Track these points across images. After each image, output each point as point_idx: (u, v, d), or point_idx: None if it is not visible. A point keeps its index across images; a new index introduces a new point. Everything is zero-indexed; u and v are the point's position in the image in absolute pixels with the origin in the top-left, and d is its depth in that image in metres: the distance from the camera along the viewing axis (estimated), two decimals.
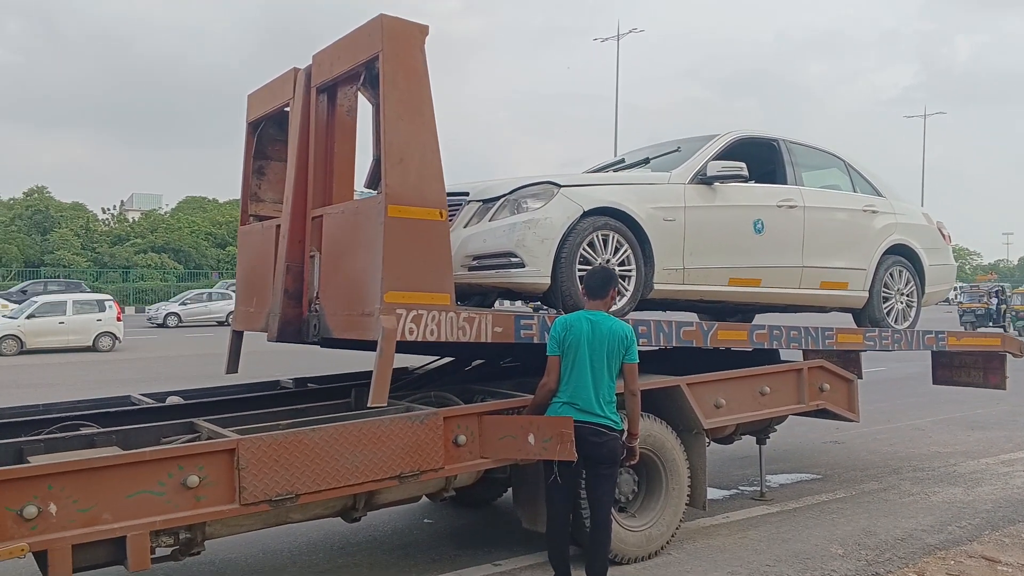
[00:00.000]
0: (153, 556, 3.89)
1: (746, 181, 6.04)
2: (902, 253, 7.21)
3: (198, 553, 4.23)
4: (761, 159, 6.87)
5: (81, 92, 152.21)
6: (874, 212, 7.03)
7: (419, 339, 4.45)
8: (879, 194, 7.25)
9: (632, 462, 4.83)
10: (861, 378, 7.20)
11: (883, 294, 7.04)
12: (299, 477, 4.11)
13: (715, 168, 5.90)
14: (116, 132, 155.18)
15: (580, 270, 5.15)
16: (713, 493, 6.83)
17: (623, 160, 7.09)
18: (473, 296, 5.77)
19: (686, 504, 5.54)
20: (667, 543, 5.40)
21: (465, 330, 4.65)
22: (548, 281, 5.13)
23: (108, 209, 66.45)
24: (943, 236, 7.72)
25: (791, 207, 6.39)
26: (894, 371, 16.07)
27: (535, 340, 4.94)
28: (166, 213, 65.05)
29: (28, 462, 3.95)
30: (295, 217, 5.16)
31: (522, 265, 5.08)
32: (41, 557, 3.68)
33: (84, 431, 4.55)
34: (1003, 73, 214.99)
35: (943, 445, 9.06)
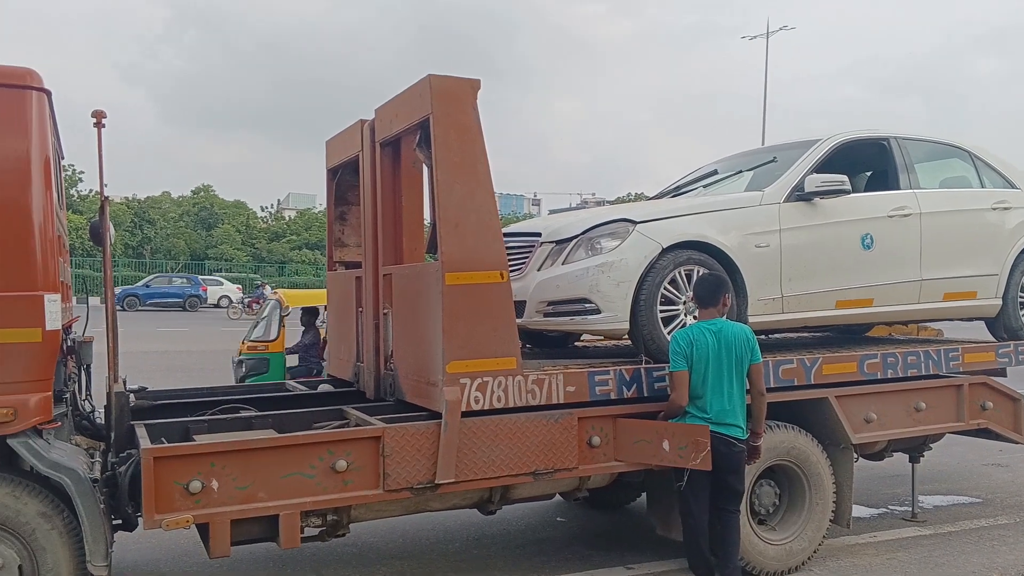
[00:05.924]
0: (302, 535, 4.12)
1: (848, 194, 5.57)
2: None
3: (343, 535, 4.45)
4: (872, 161, 6.40)
5: (247, 97, 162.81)
6: (1006, 208, 6.34)
7: (485, 407, 4.31)
8: (1013, 186, 6.55)
9: (756, 460, 4.78)
10: None
11: (1020, 299, 6.38)
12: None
13: (813, 183, 5.41)
14: (277, 135, 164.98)
15: (662, 311, 4.87)
16: (859, 511, 6.51)
17: (716, 172, 6.65)
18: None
19: (830, 521, 5.33)
20: (808, 559, 5.22)
21: (535, 393, 4.47)
22: (626, 326, 4.86)
23: (267, 207, 70.78)
24: None
25: (905, 215, 5.86)
26: None
27: (612, 396, 4.72)
28: (319, 212, 68.33)
29: (194, 440, 4.27)
30: (375, 273, 5.12)
31: (597, 311, 4.82)
32: (203, 529, 3.97)
33: (243, 414, 4.85)
34: None
35: None
